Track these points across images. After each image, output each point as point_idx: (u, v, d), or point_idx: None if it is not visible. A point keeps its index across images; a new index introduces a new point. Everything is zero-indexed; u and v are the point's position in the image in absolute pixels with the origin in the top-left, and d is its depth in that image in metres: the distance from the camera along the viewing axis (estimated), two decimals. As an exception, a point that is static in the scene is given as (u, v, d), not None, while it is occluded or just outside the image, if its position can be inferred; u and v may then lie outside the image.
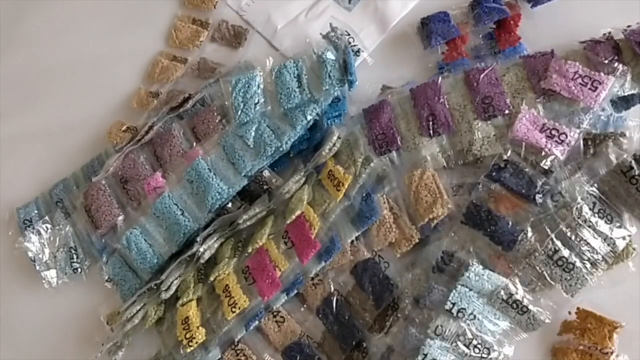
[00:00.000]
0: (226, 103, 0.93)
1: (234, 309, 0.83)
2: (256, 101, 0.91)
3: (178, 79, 1.02)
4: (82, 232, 0.96)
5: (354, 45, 0.95)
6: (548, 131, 0.80)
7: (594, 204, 0.79)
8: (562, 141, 0.80)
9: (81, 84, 1.05)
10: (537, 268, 0.79)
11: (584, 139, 0.80)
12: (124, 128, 0.99)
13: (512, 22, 0.90)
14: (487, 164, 0.83)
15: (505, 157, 0.81)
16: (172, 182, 0.92)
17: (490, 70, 0.84)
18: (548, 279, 0.79)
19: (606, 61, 0.81)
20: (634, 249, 0.80)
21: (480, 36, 0.92)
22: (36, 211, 0.97)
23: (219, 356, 0.86)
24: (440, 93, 0.85)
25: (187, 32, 1.04)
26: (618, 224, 0.79)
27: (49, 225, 0.96)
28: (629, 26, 0.83)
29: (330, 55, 0.90)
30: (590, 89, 0.80)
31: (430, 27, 0.91)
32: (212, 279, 0.87)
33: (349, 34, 0.96)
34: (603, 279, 0.80)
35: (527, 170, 0.81)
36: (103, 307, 0.91)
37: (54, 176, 0.99)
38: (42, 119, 1.04)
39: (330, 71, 0.89)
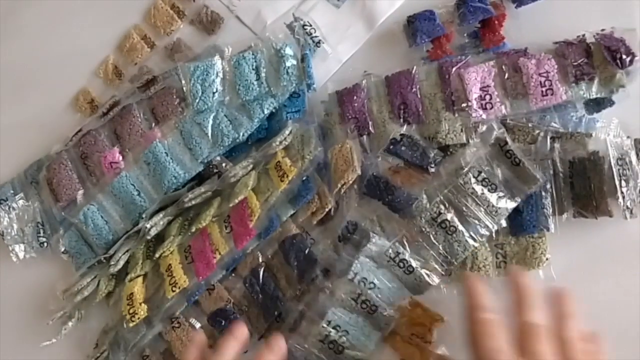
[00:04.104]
0: (184, 89, 1.06)
1: (174, 289, 0.98)
2: (214, 90, 1.04)
3: (145, 59, 1.18)
4: (48, 207, 1.12)
5: (315, 37, 1.09)
6: (485, 92, 0.97)
7: (479, 172, 0.94)
8: (486, 109, 0.96)
9: (73, 75, 1.23)
10: (423, 229, 0.94)
11: (551, 137, 0.95)
12: (89, 99, 1.17)
13: (496, 21, 1.03)
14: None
15: (401, 131, 0.98)
16: (130, 161, 1.06)
17: (464, 63, 0.99)
18: (432, 239, 0.94)
19: (575, 63, 0.95)
20: (547, 259, 0.94)
21: (465, 35, 1.05)
22: (12, 191, 1.15)
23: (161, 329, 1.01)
24: (414, 82, 1.00)
25: (164, 16, 1.18)
26: (502, 194, 0.94)
27: (23, 202, 1.13)
28: (602, 30, 0.96)
29: (288, 51, 1.03)
30: (542, 91, 0.96)
31: (415, 25, 1.05)
32: (157, 255, 1.01)
33: (310, 25, 1.10)
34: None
35: (420, 143, 0.97)
36: (60, 281, 1.08)
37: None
38: (32, 108, 1.22)
39: (289, 67, 1.03)
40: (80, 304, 1.07)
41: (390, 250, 0.95)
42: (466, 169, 0.94)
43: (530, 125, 0.96)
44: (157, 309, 1.02)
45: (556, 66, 0.97)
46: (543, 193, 0.95)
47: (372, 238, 0.95)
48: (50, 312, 1.07)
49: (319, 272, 0.98)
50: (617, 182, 0.93)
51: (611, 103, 0.97)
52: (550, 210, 0.95)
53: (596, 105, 0.98)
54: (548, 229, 0.95)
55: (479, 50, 1.04)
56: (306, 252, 0.99)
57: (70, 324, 1.06)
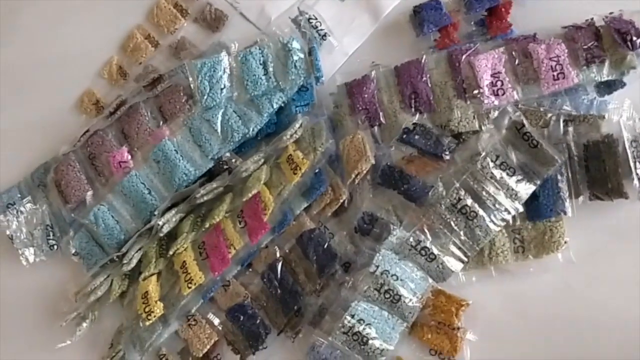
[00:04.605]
0: (191, 86, 1.08)
1: (190, 285, 1.00)
2: (222, 86, 1.05)
3: (150, 59, 1.18)
4: (56, 209, 1.13)
5: (321, 30, 1.11)
6: (496, 78, 0.98)
7: (497, 157, 0.95)
8: (497, 95, 0.98)
9: (76, 77, 1.22)
10: (443, 216, 0.96)
11: (563, 121, 0.96)
12: (94, 100, 1.17)
13: (503, 9, 1.04)
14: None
15: (413, 121, 1.00)
16: (139, 160, 1.07)
17: (473, 51, 1.00)
18: (453, 225, 0.96)
19: (585, 47, 0.97)
20: (566, 242, 0.96)
21: (472, 23, 1.06)
22: (19, 195, 1.16)
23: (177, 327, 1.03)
24: (424, 71, 1.01)
25: (167, 15, 1.19)
26: (520, 177, 0.95)
27: (31, 205, 1.13)
28: (611, 13, 0.98)
29: (295, 44, 1.05)
30: (553, 75, 0.97)
31: (422, 14, 1.06)
32: (171, 253, 1.02)
33: (315, 18, 1.11)
34: (533, 266, 0.97)
35: (434, 131, 0.99)
36: (71, 283, 1.09)
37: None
38: (37, 111, 1.22)
39: (296, 61, 1.04)
40: (93, 305, 1.08)
41: (411, 239, 0.97)
42: (483, 154, 0.96)
43: (542, 109, 0.98)
44: (173, 306, 1.03)
45: (566, 50, 0.98)
46: (559, 177, 0.97)
47: (393, 230, 0.97)
48: (63, 314, 1.07)
49: (338, 267, 1.00)
50: (631, 164, 0.95)
51: (622, 85, 0.99)
52: (567, 194, 0.97)
53: (607, 87, 1.00)
54: (565, 213, 0.97)
55: (487, 38, 1.06)
56: (325, 246, 1.00)
57: (84, 324, 1.07)
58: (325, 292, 1.01)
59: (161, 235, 1.04)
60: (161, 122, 1.10)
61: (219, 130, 1.05)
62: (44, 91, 1.23)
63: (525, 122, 0.96)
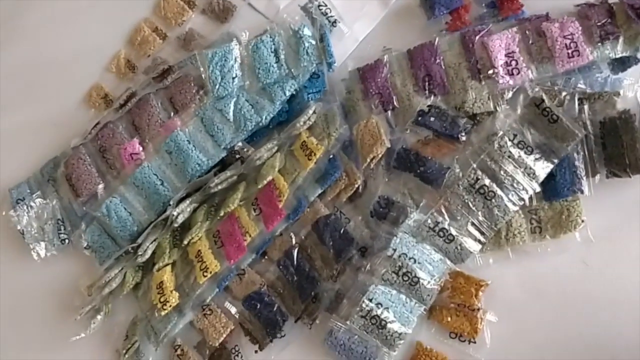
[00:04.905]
0: (202, 76, 1.08)
1: (205, 274, 1.01)
2: (234, 75, 1.06)
3: (158, 51, 1.19)
4: (67, 203, 1.13)
5: (331, 16, 1.11)
6: (510, 58, 0.99)
7: (515, 135, 0.95)
8: (512, 75, 0.98)
9: (84, 72, 1.23)
10: (461, 197, 0.96)
11: (578, 99, 0.97)
12: (102, 94, 1.18)
13: None
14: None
15: (427, 103, 1.00)
16: (151, 151, 1.08)
17: (486, 32, 1.00)
18: (471, 206, 0.96)
19: (599, 24, 0.97)
20: (583, 221, 0.96)
21: (483, 5, 1.07)
22: (28, 190, 1.17)
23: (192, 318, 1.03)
24: (437, 54, 1.02)
25: (174, 7, 1.20)
26: (538, 156, 0.95)
27: (41, 200, 1.14)
28: None
29: (306, 31, 1.06)
30: (568, 53, 0.97)
31: None
32: (185, 242, 1.03)
33: (325, 5, 1.11)
34: (550, 246, 0.97)
35: (449, 112, 0.99)
36: (83, 277, 1.09)
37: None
38: (45, 107, 1.23)
39: (308, 47, 1.05)
40: (107, 298, 1.08)
41: (429, 221, 0.97)
42: (501, 133, 0.96)
43: (556, 88, 0.98)
44: (188, 296, 1.03)
45: (580, 28, 0.98)
46: (575, 155, 0.97)
47: (410, 213, 0.98)
48: (76, 308, 1.08)
49: (354, 252, 1.00)
50: (649, 138, 0.94)
51: (637, 61, 0.99)
52: (583, 173, 0.97)
53: (621, 64, 1.00)
54: (582, 192, 0.97)
55: (498, 19, 1.06)
56: (341, 231, 1.01)
57: (98, 317, 1.08)
58: (342, 278, 1.01)
59: (176, 225, 1.04)
60: (172, 113, 1.11)
61: (231, 119, 1.06)
62: (52, 88, 1.25)
63: (544, 97, 0.96)
